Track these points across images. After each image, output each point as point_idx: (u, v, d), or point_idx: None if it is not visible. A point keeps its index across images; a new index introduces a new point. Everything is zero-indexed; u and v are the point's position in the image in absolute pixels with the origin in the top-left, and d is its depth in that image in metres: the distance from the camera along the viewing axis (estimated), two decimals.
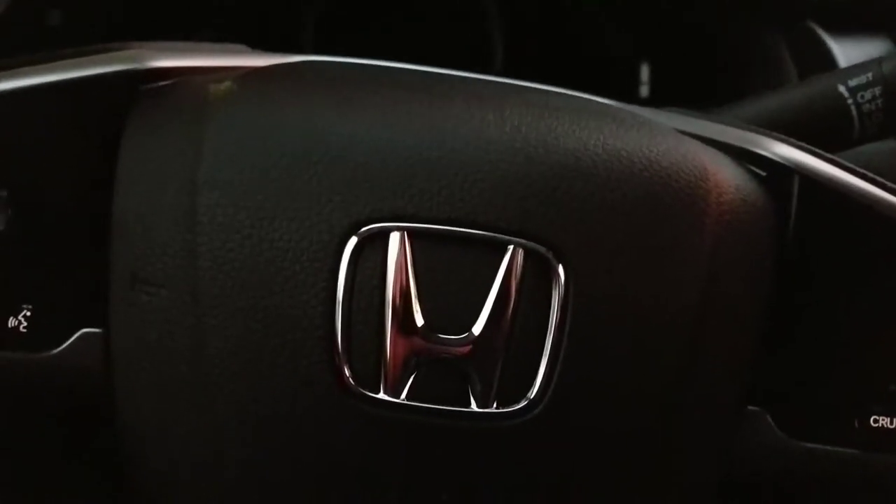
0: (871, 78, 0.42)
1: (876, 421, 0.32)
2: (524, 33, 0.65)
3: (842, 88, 0.42)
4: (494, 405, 0.28)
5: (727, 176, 0.31)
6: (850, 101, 0.42)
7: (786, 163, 0.32)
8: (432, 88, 0.32)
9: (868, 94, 0.42)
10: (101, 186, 0.29)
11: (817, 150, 0.34)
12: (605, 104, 0.34)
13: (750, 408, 0.32)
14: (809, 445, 0.32)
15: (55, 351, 0.30)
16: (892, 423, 0.32)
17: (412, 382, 0.28)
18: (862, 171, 0.34)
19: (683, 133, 0.33)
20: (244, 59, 0.33)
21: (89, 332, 0.30)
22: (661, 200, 0.29)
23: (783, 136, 0.34)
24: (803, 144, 0.33)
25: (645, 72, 0.65)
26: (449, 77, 0.33)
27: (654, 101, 0.53)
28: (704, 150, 0.32)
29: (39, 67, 0.29)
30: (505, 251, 0.28)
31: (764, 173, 0.33)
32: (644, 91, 0.65)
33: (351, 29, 0.63)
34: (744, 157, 0.32)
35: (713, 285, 0.30)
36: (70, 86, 0.29)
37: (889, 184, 0.34)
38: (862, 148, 0.45)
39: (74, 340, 0.30)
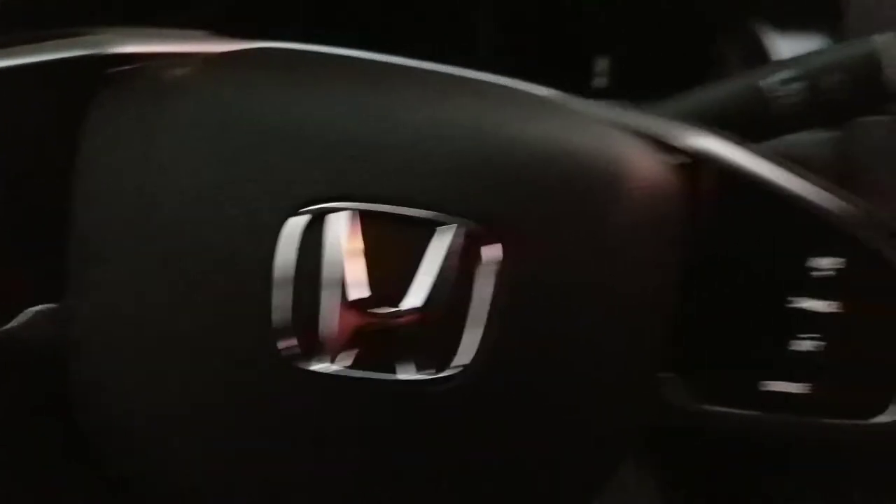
0: (796, 72, 0.45)
1: (775, 385, 0.35)
2: (512, 27, 0.66)
3: (767, 82, 0.45)
4: (426, 374, 0.30)
5: (642, 164, 0.34)
6: (772, 94, 0.45)
7: (698, 152, 0.34)
8: (380, 76, 0.34)
9: (792, 88, 0.45)
10: (61, 168, 0.30)
11: (735, 138, 0.36)
12: (542, 95, 0.36)
13: (663, 374, 0.35)
14: (717, 408, 0.35)
15: (6, 327, 0.32)
16: (787, 386, 0.35)
17: (348, 354, 0.30)
18: (778, 158, 0.37)
19: (610, 123, 0.36)
20: (205, 45, 0.36)
21: (42, 309, 0.32)
22: (579, 184, 0.32)
23: (704, 127, 0.36)
24: (723, 133, 0.36)
25: (604, 64, 0.67)
26: (398, 66, 0.35)
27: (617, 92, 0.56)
28: (624, 140, 0.34)
29: (2, 52, 0.30)
30: (440, 228, 0.30)
31: (680, 161, 0.35)
32: (604, 82, 0.67)
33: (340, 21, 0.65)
34: (661, 146, 0.35)
35: (626, 263, 0.32)
36: (33, 69, 0.31)
37: (799, 168, 0.37)
38: (792, 138, 0.48)
39: (27, 316, 0.32)
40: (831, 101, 0.45)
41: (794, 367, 0.34)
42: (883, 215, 0.36)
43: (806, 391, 0.35)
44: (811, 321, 0.34)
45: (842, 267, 0.34)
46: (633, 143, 0.35)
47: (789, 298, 0.34)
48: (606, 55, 0.68)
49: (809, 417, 0.35)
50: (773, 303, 0.34)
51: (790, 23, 0.56)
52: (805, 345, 0.34)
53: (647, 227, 0.33)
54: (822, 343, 0.34)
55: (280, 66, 0.35)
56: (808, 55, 0.46)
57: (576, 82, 0.71)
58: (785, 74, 0.45)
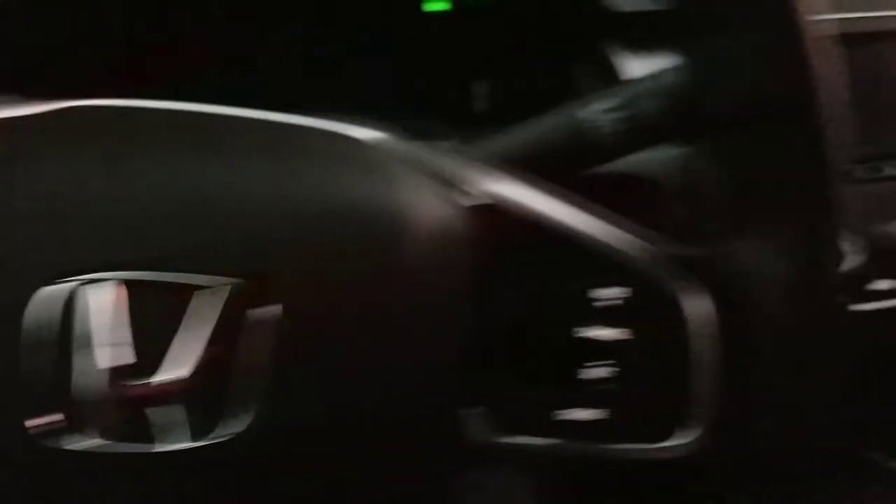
0: (619, 101, 0.47)
1: (570, 414, 0.36)
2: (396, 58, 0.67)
3: (584, 113, 0.46)
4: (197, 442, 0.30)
5: (428, 209, 0.34)
6: (592, 124, 0.46)
7: (489, 194, 0.36)
8: (157, 133, 0.34)
9: (616, 115, 0.46)
10: None
11: (529, 179, 0.37)
12: (349, 138, 0.36)
13: (466, 411, 0.36)
14: (517, 440, 0.36)
15: None
16: (582, 414, 0.36)
17: (108, 427, 0.30)
18: (568, 195, 0.38)
19: (405, 167, 0.37)
20: (11, 109, 0.36)
21: None
22: (359, 234, 0.33)
23: (501, 168, 0.37)
24: (517, 175, 0.37)
25: (481, 88, 0.68)
26: (188, 116, 0.35)
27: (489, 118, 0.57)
28: (412, 185, 0.35)
29: None
30: (203, 291, 0.30)
31: (472, 203, 0.36)
32: (483, 106, 0.68)
33: None
34: (454, 189, 0.36)
35: (413, 307, 0.33)
36: None
37: (591, 204, 0.38)
38: (637, 157, 0.49)
39: None
40: (651, 127, 0.46)
41: (588, 395, 0.35)
42: (670, 246, 0.37)
43: (600, 417, 0.36)
44: (602, 349, 0.35)
45: (628, 295, 0.35)
46: (421, 187, 0.35)
47: (580, 328, 0.35)
48: (484, 80, 0.69)
49: (605, 443, 0.36)
50: (565, 333, 0.35)
51: (641, 45, 0.57)
52: (596, 372, 0.35)
53: (433, 271, 0.34)
54: (612, 370, 0.35)
55: (75, 129, 0.35)
56: (627, 84, 0.47)
57: (458, 108, 0.72)
58: (605, 104, 0.46)
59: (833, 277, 0.36)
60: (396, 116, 0.61)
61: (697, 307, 0.35)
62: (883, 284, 0.57)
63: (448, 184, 0.36)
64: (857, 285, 0.56)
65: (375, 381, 0.33)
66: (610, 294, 0.34)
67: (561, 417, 0.36)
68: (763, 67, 0.35)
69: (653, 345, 0.35)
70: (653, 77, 0.46)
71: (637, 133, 0.46)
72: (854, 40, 0.58)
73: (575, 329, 0.35)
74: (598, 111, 0.46)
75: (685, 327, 0.35)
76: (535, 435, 0.36)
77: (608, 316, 0.34)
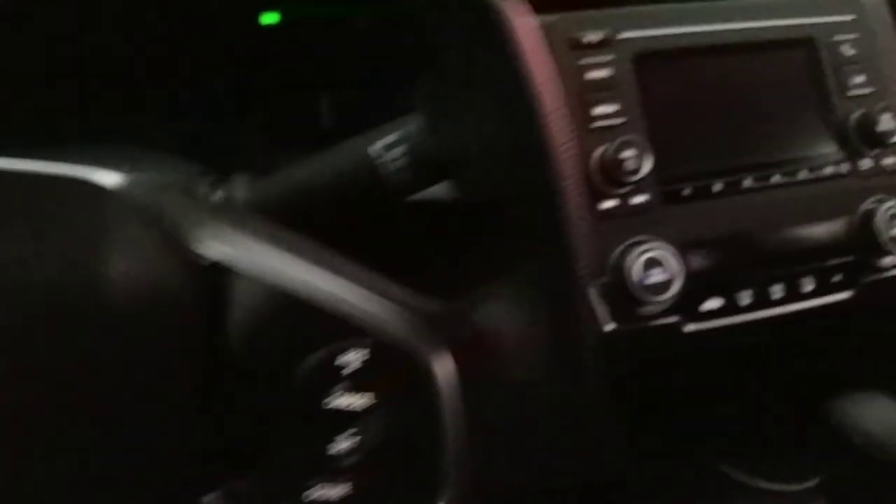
0: (398, 137, 0.45)
1: (318, 491, 0.34)
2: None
3: (374, 148, 0.45)
4: None
5: (155, 267, 0.32)
6: (381, 159, 0.44)
7: (219, 258, 0.33)
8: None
9: (396, 153, 0.44)
10: None
11: (265, 238, 0.35)
12: (74, 187, 0.33)
13: (205, 499, 0.33)
14: None
15: None
16: (331, 490, 0.34)
17: None
18: (311, 253, 0.35)
19: (141, 218, 0.34)
20: None
21: None
22: (74, 298, 0.30)
23: (236, 228, 0.35)
24: (250, 236, 0.34)
25: (327, 103, 0.66)
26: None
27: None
28: (143, 241, 0.32)
29: None
30: None
31: (201, 266, 0.34)
32: (331, 121, 0.66)
33: None
34: (182, 250, 0.33)
35: (127, 374, 0.31)
36: None
37: (337, 263, 0.35)
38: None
39: None
40: (432, 161, 0.44)
41: (336, 468, 0.33)
42: (416, 303, 0.35)
43: (349, 492, 0.33)
44: (347, 418, 0.33)
45: (367, 358, 0.33)
46: (152, 244, 0.33)
47: (325, 399, 0.33)
48: (330, 95, 0.67)
49: None
50: (311, 405, 0.33)
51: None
52: (344, 444, 0.33)
53: (153, 331, 0.31)
54: (359, 438, 0.33)
55: None
56: (406, 119, 0.45)
57: (305, 123, 0.69)
58: (387, 140, 0.45)
59: (575, 328, 0.35)
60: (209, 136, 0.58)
61: (444, 366, 0.33)
62: (713, 304, 0.56)
63: (182, 240, 0.33)
64: (688, 306, 0.55)
65: (99, 460, 0.30)
66: (353, 358, 0.32)
67: (309, 496, 0.33)
68: (499, 123, 0.33)
69: (400, 409, 0.33)
70: (416, 118, 0.45)
71: (422, 168, 0.44)
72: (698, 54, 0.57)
73: (323, 398, 0.32)
74: (382, 146, 0.45)
75: (432, 387, 0.33)
76: None
77: (353, 381, 0.32)
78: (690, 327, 0.55)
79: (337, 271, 0.34)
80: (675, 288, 0.51)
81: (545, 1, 0.56)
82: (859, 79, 0.59)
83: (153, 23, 0.58)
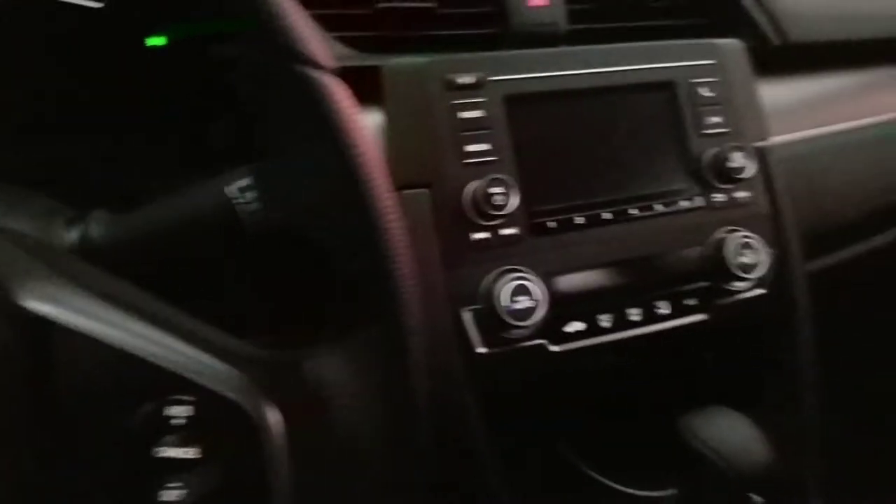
0: (252, 180, 0.46)
1: None
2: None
3: (230, 189, 0.46)
4: None
5: None
6: (236, 200, 0.46)
7: (36, 313, 0.33)
8: None
9: (249, 195, 0.46)
10: None
11: (86, 295, 0.35)
12: None
13: None
14: None
15: None
16: None
17: None
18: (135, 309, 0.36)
19: None
20: None
21: None
22: None
23: (58, 281, 0.35)
24: (69, 292, 0.34)
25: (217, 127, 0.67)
26: None
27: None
28: None
29: None
30: None
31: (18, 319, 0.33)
32: (220, 143, 0.67)
33: None
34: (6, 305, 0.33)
35: None
36: None
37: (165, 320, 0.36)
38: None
39: None
40: (280, 206, 0.45)
41: None
42: (244, 355, 0.36)
43: None
44: (176, 468, 0.34)
45: (193, 411, 0.34)
46: None
47: (154, 449, 0.34)
48: (218, 118, 0.68)
49: None
50: (140, 455, 0.33)
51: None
52: (173, 494, 0.34)
53: None
54: (185, 490, 0.33)
55: None
56: (261, 163, 0.46)
57: (194, 146, 0.70)
58: (242, 182, 0.46)
59: (405, 379, 0.37)
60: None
61: (271, 419, 0.35)
62: (576, 326, 0.60)
63: (7, 294, 0.33)
64: (553, 329, 0.59)
65: None
66: (179, 412, 0.34)
67: None
68: (323, 181, 0.35)
69: (227, 461, 0.34)
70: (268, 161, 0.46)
71: (270, 213, 0.45)
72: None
73: (153, 448, 0.34)
74: (237, 188, 0.46)
75: (258, 441, 0.34)
76: None
77: (180, 434, 0.34)
78: (555, 348, 0.59)
79: (166, 325, 0.35)
80: (541, 313, 0.56)
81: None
82: (715, 119, 0.64)
83: (35, 45, 0.58)
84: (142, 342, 0.34)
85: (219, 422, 0.34)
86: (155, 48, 0.64)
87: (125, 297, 0.36)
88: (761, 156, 0.66)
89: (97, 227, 0.44)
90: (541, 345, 0.58)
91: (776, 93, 0.71)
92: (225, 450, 0.34)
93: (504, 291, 0.55)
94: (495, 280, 0.56)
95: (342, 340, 0.37)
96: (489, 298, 0.56)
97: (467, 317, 0.57)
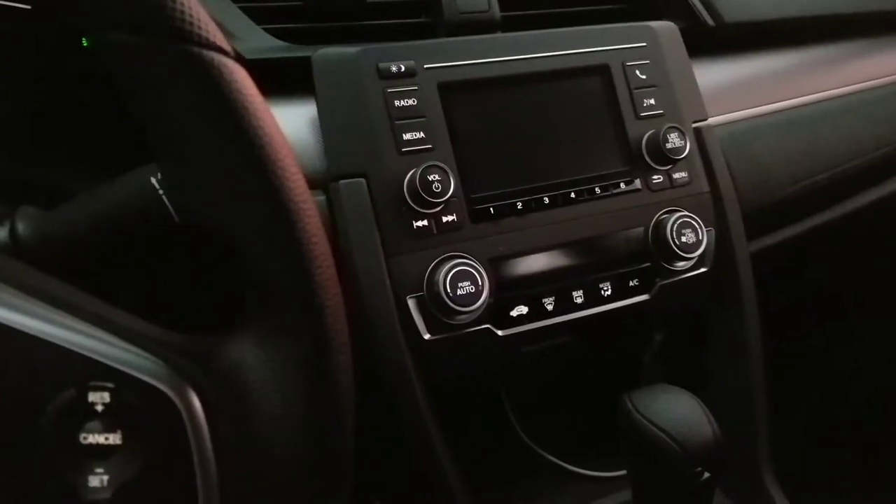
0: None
1: None
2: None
3: (154, 180, 0.45)
4: None
5: None
6: (161, 191, 0.45)
7: None
8: None
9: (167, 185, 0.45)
10: None
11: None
12: None
13: None
14: None
15: None
16: None
17: None
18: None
19: None
20: None
21: None
22: None
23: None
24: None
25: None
26: None
27: None
28: None
29: None
30: None
31: None
32: None
33: None
34: None
35: None
36: None
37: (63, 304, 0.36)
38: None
39: None
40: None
41: (90, 502, 0.34)
42: (165, 341, 0.36)
43: None
44: (99, 454, 0.34)
45: (112, 397, 0.34)
46: None
47: (75, 435, 0.33)
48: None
49: None
50: (61, 441, 0.33)
51: None
52: (97, 480, 0.33)
53: None
54: (108, 476, 0.33)
55: None
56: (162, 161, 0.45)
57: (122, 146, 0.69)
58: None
59: (324, 367, 0.36)
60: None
61: (189, 403, 0.35)
62: (521, 310, 0.60)
63: None
64: (498, 313, 0.59)
65: None
66: (99, 398, 0.33)
67: None
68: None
69: (147, 445, 0.34)
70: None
71: (183, 211, 0.45)
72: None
73: (69, 436, 0.33)
74: (159, 179, 0.45)
75: (178, 424, 0.34)
76: None
77: (102, 420, 0.33)
78: (501, 332, 0.59)
79: (86, 315, 0.34)
80: (484, 298, 0.56)
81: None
82: (650, 101, 0.65)
83: None
84: (60, 331, 0.34)
85: (139, 407, 0.34)
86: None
87: (45, 289, 0.35)
88: (698, 136, 0.67)
89: (24, 223, 0.44)
90: (486, 329, 0.59)
91: (712, 73, 0.72)
92: (146, 435, 0.34)
93: (447, 278, 0.55)
94: (437, 267, 0.56)
95: (255, 325, 0.36)
96: (432, 285, 0.56)
97: (412, 304, 0.56)
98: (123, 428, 0.33)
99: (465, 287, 0.55)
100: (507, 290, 0.59)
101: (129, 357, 0.34)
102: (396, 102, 0.57)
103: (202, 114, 0.33)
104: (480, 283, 0.55)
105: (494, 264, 0.58)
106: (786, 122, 0.75)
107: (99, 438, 0.33)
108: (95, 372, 0.33)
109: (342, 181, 0.55)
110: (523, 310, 0.60)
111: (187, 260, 0.50)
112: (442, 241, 0.57)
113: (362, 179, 0.56)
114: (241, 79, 0.34)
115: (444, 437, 0.59)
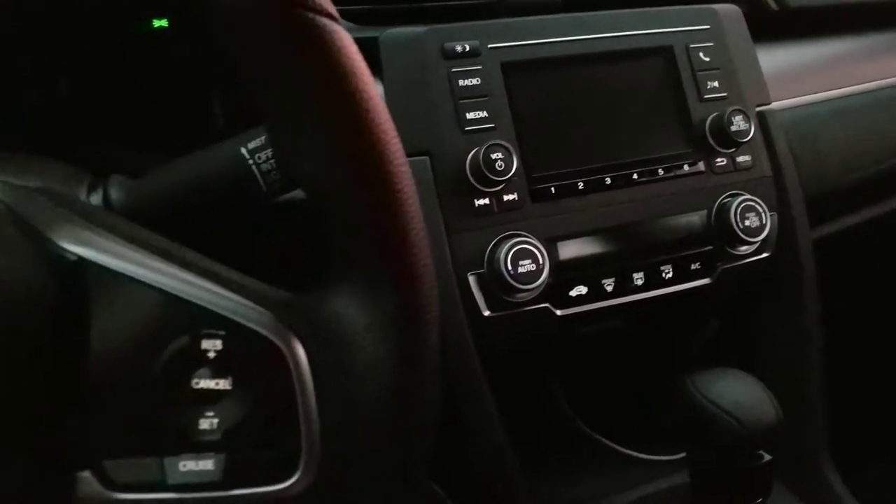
0: (265, 140, 0.47)
1: (185, 466, 0.36)
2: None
3: (244, 150, 0.47)
4: None
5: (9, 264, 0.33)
6: (250, 161, 0.46)
7: (76, 251, 0.34)
8: None
9: (263, 155, 0.47)
10: None
11: (132, 234, 0.36)
12: None
13: (80, 474, 0.35)
14: (131, 497, 0.36)
15: None
16: (196, 465, 0.36)
17: None
18: (165, 249, 0.37)
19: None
20: None
21: None
22: None
23: (98, 223, 0.36)
24: (113, 230, 0.36)
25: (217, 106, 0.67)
26: None
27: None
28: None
29: None
30: None
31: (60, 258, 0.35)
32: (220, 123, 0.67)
33: None
34: (42, 242, 0.35)
35: None
36: None
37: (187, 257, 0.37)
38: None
39: None
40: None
41: (201, 444, 0.35)
42: (270, 293, 0.37)
43: (213, 467, 0.36)
44: (209, 399, 0.35)
45: (224, 345, 0.35)
46: (4, 245, 0.33)
47: (188, 380, 0.35)
48: (221, 96, 0.68)
49: (221, 492, 0.36)
50: (175, 386, 0.34)
51: None
52: (207, 423, 0.35)
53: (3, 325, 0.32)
54: (218, 419, 0.35)
55: None
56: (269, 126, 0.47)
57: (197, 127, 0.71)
58: (257, 142, 0.47)
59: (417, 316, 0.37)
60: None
61: (295, 352, 0.36)
62: (580, 290, 0.60)
63: (47, 238, 0.35)
64: (557, 293, 0.60)
65: None
66: (211, 345, 0.35)
67: (176, 470, 0.36)
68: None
69: (256, 391, 0.36)
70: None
71: (284, 173, 0.47)
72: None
73: (193, 379, 0.35)
74: (254, 147, 0.47)
75: (284, 372, 0.35)
76: (151, 491, 0.36)
77: (213, 366, 0.34)
78: (560, 312, 0.59)
79: (194, 266, 0.36)
80: (543, 277, 0.56)
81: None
82: (714, 84, 0.64)
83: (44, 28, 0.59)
84: (174, 282, 0.35)
85: (249, 355, 0.35)
86: (160, 29, 0.65)
87: (157, 244, 0.37)
88: (762, 120, 0.66)
89: (117, 191, 0.45)
90: (545, 308, 0.59)
91: (775, 58, 0.71)
92: (254, 381, 0.35)
93: (507, 255, 0.55)
94: (498, 245, 0.56)
95: (351, 283, 0.37)
96: (493, 263, 0.56)
97: (472, 281, 0.57)
98: (233, 374, 0.35)
99: (526, 265, 0.55)
100: (567, 269, 0.59)
101: (239, 307, 0.35)
102: (460, 82, 0.58)
103: (313, 77, 0.34)
104: (541, 262, 0.56)
105: (554, 244, 0.58)
106: (847, 108, 0.74)
107: (210, 384, 0.35)
108: (208, 320, 0.35)
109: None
110: (582, 290, 0.60)
111: (275, 227, 0.52)
112: (502, 219, 0.58)
113: (426, 158, 0.56)
114: (350, 45, 0.35)
115: (501, 418, 0.60)
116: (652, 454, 0.74)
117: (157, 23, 0.66)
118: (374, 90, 0.36)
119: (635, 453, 0.74)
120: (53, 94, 0.58)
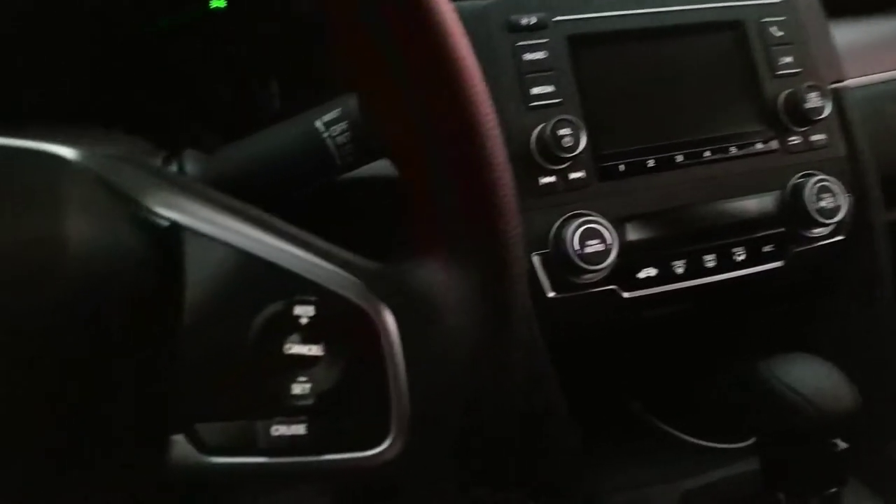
0: (339, 113, 0.46)
1: (276, 430, 0.36)
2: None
3: (318, 124, 0.46)
4: None
5: (109, 230, 0.33)
6: (325, 134, 0.46)
7: (171, 216, 0.35)
8: None
9: (338, 128, 0.46)
10: None
11: (227, 200, 0.36)
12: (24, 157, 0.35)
13: (173, 437, 0.35)
14: (224, 460, 0.36)
15: None
16: (287, 429, 0.36)
17: None
18: (258, 218, 0.37)
19: (92, 183, 0.35)
20: None
21: None
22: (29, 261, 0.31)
23: (190, 190, 0.36)
24: (221, 197, 0.36)
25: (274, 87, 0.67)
26: None
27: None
28: (96, 205, 0.34)
29: None
30: None
31: (155, 224, 0.35)
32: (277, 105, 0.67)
33: None
34: (139, 209, 0.35)
35: (87, 331, 0.32)
36: None
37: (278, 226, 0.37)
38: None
39: None
40: (369, 138, 0.46)
41: (293, 408, 0.35)
42: (360, 263, 0.37)
43: (304, 432, 0.35)
44: (302, 365, 0.35)
45: (316, 311, 0.35)
46: (105, 208, 0.34)
47: (281, 346, 0.34)
48: (279, 77, 0.68)
49: (312, 456, 0.36)
50: (268, 351, 0.34)
51: None
52: (299, 387, 0.35)
53: (108, 289, 0.33)
54: (310, 384, 0.34)
55: None
56: (348, 95, 0.47)
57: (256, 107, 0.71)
58: (331, 116, 0.46)
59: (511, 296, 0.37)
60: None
61: (385, 320, 0.35)
62: (649, 272, 0.59)
63: (140, 204, 0.35)
64: (625, 274, 0.58)
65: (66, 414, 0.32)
66: (303, 311, 0.34)
67: (268, 434, 0.35)
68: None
69: (347, 358, 0.35)
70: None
71: (358, 146, 0.46)
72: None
73: (284, 345, 0.35)
74: (327, 121, 0.46)
75: (375, 339, 0.35)
76: (244, 455, 0.35)
77: (305, 332, 0.34)
78: (627, 294, 0.57)
79: (285, 234, 0.36)
80: (611, 257, 0.54)
81: None
82: (787, 59, 0.62)
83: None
84: (267, 249, 0.36)
85: (341, 322, 0.35)
86: (216, 9, 0.65)
87: (248, 212, 0.37)
88: (836, 97, 0.63)
89: (191, 163, 0.45)
90: (612, 290, 0.57)
91: (849, 34, 0.69)
92: (346, 348, 0.35)
93: (574, 235, 0.54)
94: (564, 224, 0.55)
95: (441, 251, 0.37)
96: (559, 243, 0.54)
97: (536, 261, 0.55)
98: (325, 340, 0.35)
99: (594, 245, 0.54)
100: (635, 251, 0.57)
101: (331, 275, 0.36)
102: (525, 56, 0.56)
103: (416, 32, 0.34)
104: (609, 242, 0.54)
105: (622, 223, 0.57)
106: None
107: (302, 349, 0.35)
108: (301, 287, 0.35)
109: None
110: (651, 272, 0.58)
111: (351, 202, 0.51)
112: (568, 198, 0.56)
113: None
114: (449, 10, 0.35)
115: (566, 401, 0.58)
116: (717, 442, 0.72)
117: (214, 3, 0.66)
118: (470, 49, 0.35)
119: (702, 441, 0.72)
120: (57, 94, 0.58)
